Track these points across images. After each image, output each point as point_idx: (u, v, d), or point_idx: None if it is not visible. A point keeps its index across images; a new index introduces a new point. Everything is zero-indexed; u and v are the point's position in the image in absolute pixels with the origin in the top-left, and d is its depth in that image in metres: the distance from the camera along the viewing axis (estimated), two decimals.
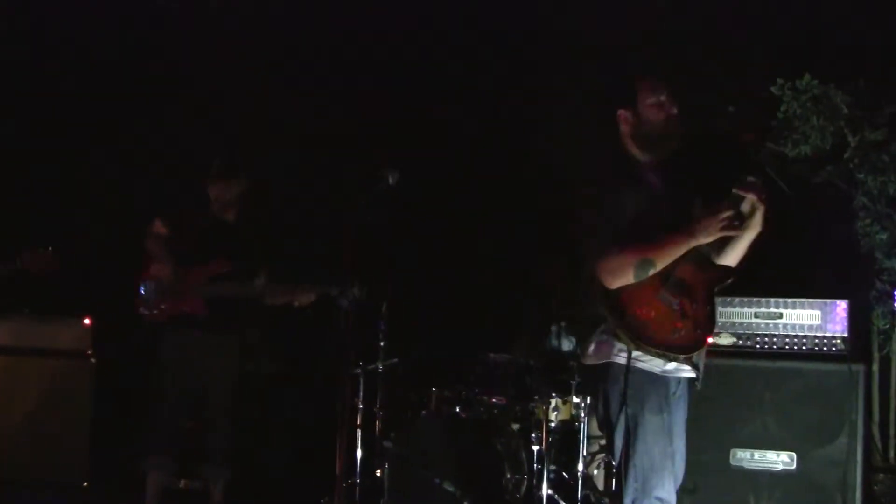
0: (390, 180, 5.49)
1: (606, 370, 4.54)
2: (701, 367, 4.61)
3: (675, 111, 4.59)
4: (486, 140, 8.36)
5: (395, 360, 7.36)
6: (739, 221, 4.38)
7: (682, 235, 4.40)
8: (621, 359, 4.46)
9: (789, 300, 6.25)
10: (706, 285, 4.53)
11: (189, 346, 6.70)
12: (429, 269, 8.28)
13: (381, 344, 7.29)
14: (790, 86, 6.68)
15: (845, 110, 6.64)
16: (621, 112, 4.64)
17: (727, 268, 4.59)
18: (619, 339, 4.46)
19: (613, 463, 4.63)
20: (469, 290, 8.18)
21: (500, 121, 8.27)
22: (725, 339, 6.32)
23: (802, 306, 6.23)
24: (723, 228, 4.36)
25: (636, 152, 4.65)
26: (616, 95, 4.70)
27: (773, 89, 6.70)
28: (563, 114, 7.68)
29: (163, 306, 6.70)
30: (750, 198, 4.37)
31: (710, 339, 4.61)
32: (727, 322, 6.33)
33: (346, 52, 8.43)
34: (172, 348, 6.74)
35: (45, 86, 8.61)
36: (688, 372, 4.56)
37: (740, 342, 6.30)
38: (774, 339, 6.24)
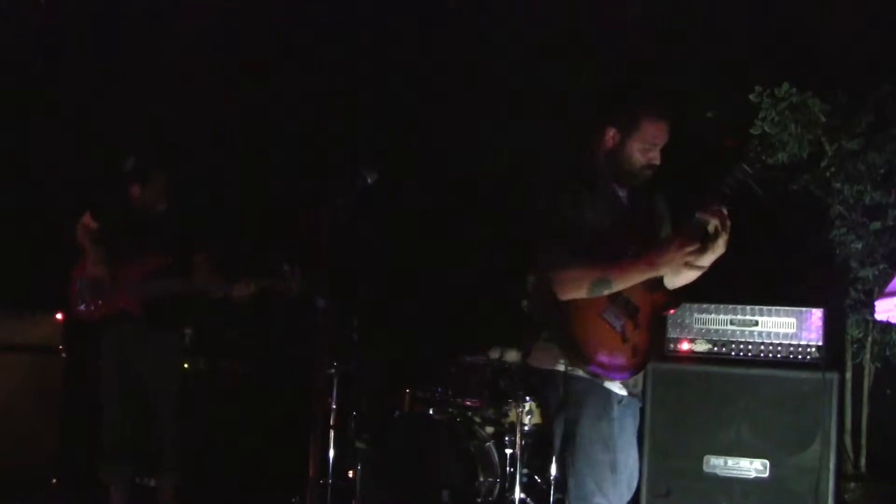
0: (368, 180, 5.48)
1: (547, 376, 4.53)
2: (638, 390, 4.64)
3: (657, 162, 4.55)
4: (468, 139, 8.36)
5: (369, 360, 7.34)
6: (704, 246, 4.32)
7: (645, 265, 4.38)
8: (561, 366, 4.46)
9: (765, 308, 6.25)
10: (651, 309, 4.52)
11: (127, 345, 6.51)
12: (404, 269, 8.28)
13: (356, 344, 7.28)
14: (768, 93, 6.69)
15: (823, 119, 6.66)
16: (609, 129, 4.55)
17: (674, 295, 4.60)
18: (559, 349, 4.47)
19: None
20: (445, 290, 8.16)
21: (485, 120, 8.27)
22: (701, 346, 6.33)
23: (778, 314, 6.24)
24: (686, 264, 4.35)
25: (602, 166, 4.60)
26: (615, 111, 4.59)
27: (751, 97, 6.71)
28: (549, 114, 7.69)
29: (98, 304, 6.55)
30: (713, 223, 4.31)
31: (644, 367, 4.59)
32: (703, 328, 6.33)
33: (328, 49, 8.41)
34: (111, 348, 6.55)
35: (27, 81, 8.57)
36: (619, 389, 4.52)
37: (715, 349, 6.30)
38: (749, 347, 6.25)
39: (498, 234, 8.01)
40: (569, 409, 4.44)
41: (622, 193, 4.64)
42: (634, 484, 4.65)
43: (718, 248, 4.35)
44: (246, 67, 8.46)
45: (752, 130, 6.62)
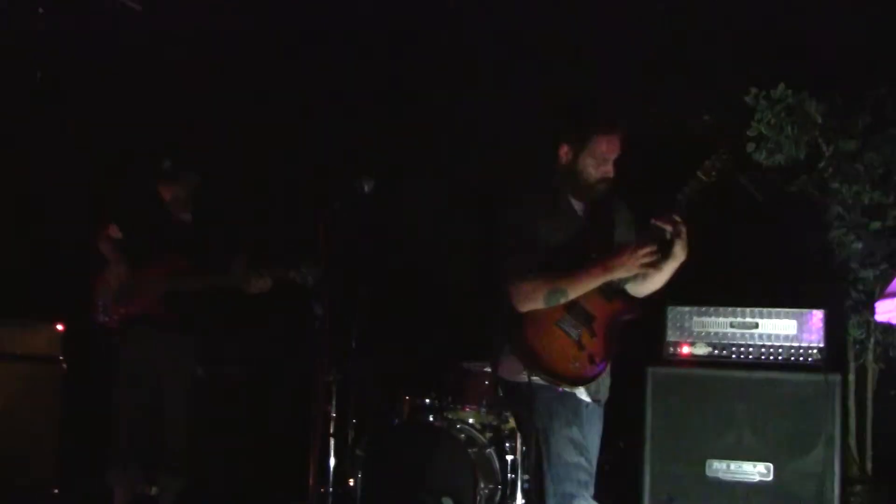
0: (366, 188, 5.45)
1: (515, 387, 4.63)
2: (602, 395, 4.71)
3: (611, 175, 4.62)
4: (469, 139, 8.33)
5: (368, 367, 7.31)
6: (662, 253, 4.42)
7: (599, 269, 4.47)
8: (525, 377, 4.54)
9: (765, 310, 6.22)
10: (608, 317, 4.59)
11: (145, 348, 6.55)
12: (404, 276, 8.24)
13: (354, 351, 7.24)
14: (764, 95, 6.65)
15: (819, 120, 6.62)
16: (563, 146, 4.66)
17: (633, 302, 4.67)
18: (519, 360, 4.55)
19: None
20: (445, 297, 8.12)
21: (485, 120, 8.23)
22: (701, 349, 6.28)
23: (778, 316, 6.21)
24: (643, 265, 4.43)
25: (559, 181, 4.70)
26: (567, 129, 4.68)
27: (747, 99, 6.67)
28: (549, 115, 7.64)
29: (121, 310, 6.59)
30: (668, 230, 4.40)
31: (602, 374, 4.63)
32: (703, 332, 6.29)
33: (328, 49, 8.39)
34: (128, 352, 6.58)
35: (27, 82, 8.54)
36: (583, 395, 4.62)
37: (716, 352, 6.27)
38: (750, 349, 6.21)
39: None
40: (538, 417, 4.53)
41: (578, 207, 4.71)
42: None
43: (678, 255, 4.46)
44: (246, 67, 8.43)
45: (748, 132, 6.59)
